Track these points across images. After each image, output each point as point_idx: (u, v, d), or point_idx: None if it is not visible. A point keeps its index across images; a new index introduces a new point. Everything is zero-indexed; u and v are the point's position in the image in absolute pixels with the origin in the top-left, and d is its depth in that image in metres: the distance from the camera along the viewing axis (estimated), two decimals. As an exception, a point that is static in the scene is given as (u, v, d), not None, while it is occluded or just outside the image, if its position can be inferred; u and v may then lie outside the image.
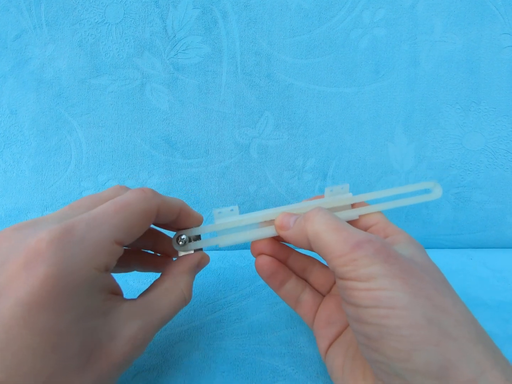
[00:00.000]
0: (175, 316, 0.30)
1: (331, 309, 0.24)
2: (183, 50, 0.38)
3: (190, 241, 0.25)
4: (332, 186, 0.25)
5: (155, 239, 0.27)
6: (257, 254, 0.25)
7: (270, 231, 0.25)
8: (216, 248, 0.41)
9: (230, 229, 0.25)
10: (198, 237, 0.26)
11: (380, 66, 0.38)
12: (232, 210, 0.25)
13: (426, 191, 0.26)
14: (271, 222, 0.25)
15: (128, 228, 0.19)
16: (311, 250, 0.22)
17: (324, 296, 0.26)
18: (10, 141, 0.39)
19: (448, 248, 0.42)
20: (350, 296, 0.18)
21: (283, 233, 0.23)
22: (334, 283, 0.26)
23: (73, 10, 0.37)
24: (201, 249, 0.26)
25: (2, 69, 0.38)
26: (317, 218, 0.21)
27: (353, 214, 0.25)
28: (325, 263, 0.27)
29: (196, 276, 0.35)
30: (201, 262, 0.25)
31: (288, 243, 0.25)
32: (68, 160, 0.39)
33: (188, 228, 0.25)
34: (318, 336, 0.24)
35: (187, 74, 0.38)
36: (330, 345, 0.23)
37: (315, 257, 0.27)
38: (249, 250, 0.41)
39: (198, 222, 0.25)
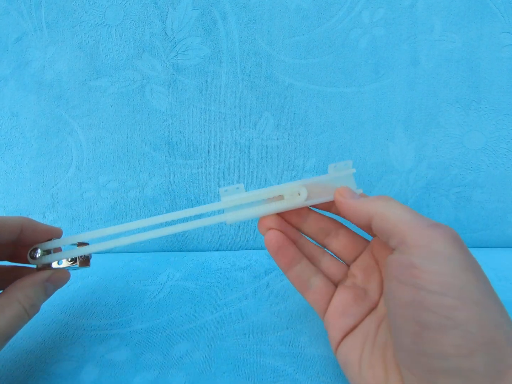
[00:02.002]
0: (176, 316, 0.30)
1: (348, 301, 0.23)
2: (182, 51, 0.38)
3: (51, 252, 0.24)
4: (336, 163, 0.25)
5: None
6: (265, 230, 0.25)
7: (279, 205, 0.24)
8: (217, 249, 0.41)
9: (237, 206, 0.25)
10: (83, 245, 0.25)
11: (380, 65, 0.38)
12: (237, 188, 0.25)
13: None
14: (279, 197, 0.25)
15: None
16: (363, 226, 0.21)
17: (336, 285, 0.25)
18: (12, 143, 0.39)
19: (450, 247, 0.42)
20: (414, 276, 0.17)
21: (346, 201, 0.23)
22: (347, 274, 0.25)
23: (73, 13, 0.37)
24: (86, 260, 0.25)
25: (3, 71, 0.38)
26: (392, 200, 0.21)
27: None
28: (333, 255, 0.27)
29: (197, 277, 0.36)
30: (54, 277, 0.24)
31: (337, 214, 0.25)
32: (69, 161, 0.39)
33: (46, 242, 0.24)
34: (331, 326, 0.23)
35: (187, 75, 0.38)
36: (344, 337, 0.23)
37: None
38: (250, 250, 0.41)
39: (53, 235, 0.25)
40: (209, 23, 0.37)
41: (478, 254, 0.40)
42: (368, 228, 0.22)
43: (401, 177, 0.40)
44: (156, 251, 0.41)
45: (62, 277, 0.25)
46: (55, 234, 0.25)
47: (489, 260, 0.38)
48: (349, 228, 0.26)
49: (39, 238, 0.24)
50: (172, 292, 0.33)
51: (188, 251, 0.41)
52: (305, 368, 0.26)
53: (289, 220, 0.26)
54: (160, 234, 0.25)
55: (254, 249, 0.41)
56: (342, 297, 0.24)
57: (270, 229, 0.25)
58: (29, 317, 0.22)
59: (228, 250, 0.41)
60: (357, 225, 0.23)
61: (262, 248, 0.41)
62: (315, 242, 0.27)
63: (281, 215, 0.25)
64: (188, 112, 0.39)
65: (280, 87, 0.38)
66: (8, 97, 0.38)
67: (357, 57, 0.38)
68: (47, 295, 0.24)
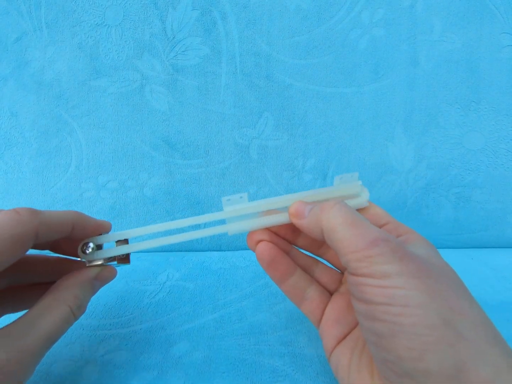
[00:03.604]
0: (175, 316, 0.30)
1: (341, 308, 0.24)
2: (182, 51, 0.38)
3: (100, 248, 0.23)
4: (342, 175, 0.24)
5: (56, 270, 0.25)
6: (254, 244, 0.24)
7: (281, 218, 0.24)
8: (217, 249, 0.41)
9: (240, 216, 0.24)
10: (125, 242, 0.24)
11: (380, 66, 0.38)
12: (241, 197, 0.24)
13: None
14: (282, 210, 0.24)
15: None
16: (324, 241, 0.21)
17: (331, 294, 0.25)
18: (11, 143, 0.39)
19: (449, 248, 0.42)
20: (362, 292, 0.18)
21: (297, 222, 0.23)
22: (341, 281, 0.26)
23: (73, 13, 0.37)
24: (126, 257, 0.24)
25: (2, 71, 0.38)
26: (333, 210, 0.20)
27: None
28: (328, 264, 0.27)
29: (196, 277, 0.36)
30: (102, 275, 0.23)
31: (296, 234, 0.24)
32: (68, 161, 0.39)
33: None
34: (325, 335, 0.23)
35: (187, 75, 0.38)
36: (337, 344, 0.23)
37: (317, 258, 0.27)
38: (249, 251, 0.41)
39: (102, 230, 0.24)
40: (209, 23, 0.37)
41: (478, 254, 0.40)
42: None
43: (401, 178, 0.40)
44: (155, 251, 0.41)
45: (110, 274, 0.24)
46: (105, 228, 0.24)
47: (489, 261, 0.38)
48: None
49: (89, 233, 0.23)
50: (172, 292, 0.33)
51: (188, 251, 0.41)
52: (304, 368, 0.26)
53: (284, 237, 0.25)
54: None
55: (253, 249, 0.41)
56: (336, 305, 0.24)
57: (260, 241, 0.24)
58: (75, 319, 0.21)
59: (228, 250, 0.41)
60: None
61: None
62: (308, 253, 0.26)
63: (275, 232, 0.25)
64: (188, 112, 0.39)
65: (279, 87, 0.38)
66: (8, 97, 0.38)
67: (357, 58, 0.38)
68: (94, 293, 0.23)
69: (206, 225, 0.24)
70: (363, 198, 0.25)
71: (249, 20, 0.37)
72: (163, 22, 0.37)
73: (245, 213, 0.24)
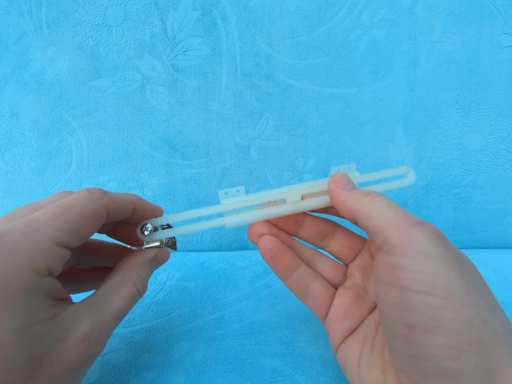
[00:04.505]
0: (176, 317, 0.30)
1: (348, 303, 0.23)
2: (183, 51, 0.38)
3: (156, 230, 0.24)
4: (339, 166, 0.24)
5: (117, 256, 0.26)
6: (256, 237, 0.24)
7: (280, 210, 0.23)
8: (217, 249, 0.41)
9: (238, 209, 0.24)
10: (168, 227, 0.25)
11: (380, 66, 0.38)
12: (238, 191, 0.24)
13: (401, 177, 0.25)
14: (280, 202, 0.24)
15: (72, 230, 0.19)
16: (351, 220, 0.21)
17: (336, 288, 0.25)
18: (12, 143, 0.39)
19: (449, 248, 0.42)
20: (398, 277, 0.17)
21: (337, 190, 0.22)
22: (346, 275, 0.25)
23: (74, 13, 0.37)
24: (172, 240, 0.25)
25: (3, 71, 0.38)
26: (377, 198, 0.20)
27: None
28: (330, 256, 0.26)
29: (197, 277, 0.36)
30: (158, 256, 0.24)
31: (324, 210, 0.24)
32: (69, 161, 0.39)
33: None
34: (332, 330, 0.23)
35: (187, 76, 0.38)
36: (344, 339, 0.22)
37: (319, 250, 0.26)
38: (249, 251, 0.41)
39: (157, 213, 0.24)
40: (209, 23, 0.37)
41: (478, 255, 0.40)
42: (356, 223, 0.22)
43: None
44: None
45: (165, 256, 0.25)
46: (160, 212, 0.25)
47: (489, 261, 0.38)
48: (345, 228, 0.26)
49: (147, 215, 0.24)
50: (172, 292, 0.33)
51: (188, 251, 0.41)
52: (304, 368, 0.26)
53: (285, 229, 0.25)
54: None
55: (254, 249, 0.41)
56: (342, 300, 0.23)
57: (262, 235, 0.24)
58: (140, 297, 0.22)
59: (228, 250, 0.41)
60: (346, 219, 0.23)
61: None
62: (310, 245, 0.26)
63: (276, 224, 0.25)
64: (188, 113, 0.39)
65: (280, 87, 0.38)
66: (8, 97, 0.38)
67: (357, 58, 0.38)
68: (151, 273, 0.24)
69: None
70: (410, 178, 0.24)
71: (249, 20, 0.37)
72: (163, 22, 0.37)
73: (244, 205, 0.24)
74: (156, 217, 0.25)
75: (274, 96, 0.39)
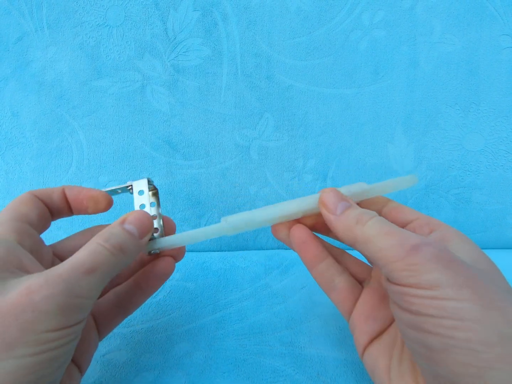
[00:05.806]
0: (176, 317, 0.30)
1: (374, 304, 0.23)
2: (183, 52, 0.38)
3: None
4: (350, 185, 0.24)
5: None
6: (283, 232, 0.24)
7: (292, 207, 0.23)
8: (217, 249, 0.42)
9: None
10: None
11: (380, 67, 0.38)
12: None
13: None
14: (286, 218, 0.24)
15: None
16: (353, 247, 0.20)
17: (362, 284, 0.25)
18: (12, 143, 0.39)
19: (449, 248, 0.42)
20: (409, 302, 0.17)
21: (327, 215, 0.22)
22: (371, 275, 0.25)
23: (74, 13, 0.37)
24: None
25: (4, 71, 0.38)
26: (370, 221, 0.20)
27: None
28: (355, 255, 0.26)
29: (197, 277, 0.36)
30: (127, 219, 0.22)
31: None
32: (69, 161, 0.39)
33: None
34: (357, 330, 0.23)
35: (188, 76, 0.38)
36: (370, 341, 0.22)
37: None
38: (249, 251, 0.41)
39: (97, 198, 0.23)
40: (210, 24, 0.37)
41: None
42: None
43: (401, 179, 0.40)
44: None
45: (134, 217, 0.21)
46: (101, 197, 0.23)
47: (488, 262, 0.38)
48: None
49: (85, 202, 0.23)
50: (172, 292, 0.33)
51: (188, 251, 0.41)
52: (304, 368, 0.26)
53: (318, 230, 0.25)
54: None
55: (254, 249, 0.41)
56: (368, 299, 0.23)
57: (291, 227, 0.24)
58: (115, 256, 0.19)
59: (228, 251, 0.41)
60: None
61: (262, 249, 0.42)
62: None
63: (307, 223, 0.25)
64: (189, 113, 0.39)
65: (280, 88, 0.39)
66: (9, 97, 0.38)
67: (357, 59, 0.38)
68: (134, 237, 0.21)
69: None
70: (411, 179, 0.24)
71: (250, 21, 0.38)
72: (164, 23, 0.37)
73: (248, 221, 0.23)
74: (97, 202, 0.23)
75: (274, 97, 0.39)
